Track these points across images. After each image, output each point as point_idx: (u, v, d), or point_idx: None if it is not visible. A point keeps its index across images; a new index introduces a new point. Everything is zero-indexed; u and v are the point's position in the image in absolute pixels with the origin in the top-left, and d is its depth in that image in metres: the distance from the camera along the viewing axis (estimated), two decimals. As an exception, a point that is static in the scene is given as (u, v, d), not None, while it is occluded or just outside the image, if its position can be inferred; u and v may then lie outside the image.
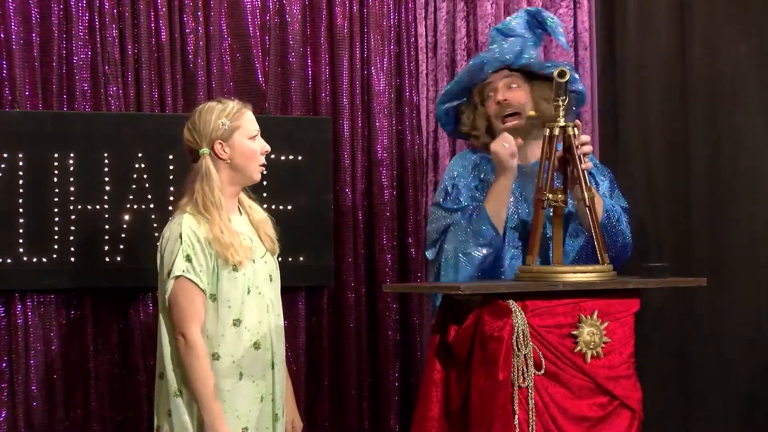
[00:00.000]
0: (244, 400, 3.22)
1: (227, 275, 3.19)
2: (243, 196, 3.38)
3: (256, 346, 3.24)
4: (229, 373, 3.20)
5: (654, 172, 4.79)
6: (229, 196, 3.29)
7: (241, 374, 3.22)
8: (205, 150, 3.26)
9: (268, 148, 3.34)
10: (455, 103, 3.56)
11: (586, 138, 3.26)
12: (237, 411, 3.21)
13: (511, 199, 3.37)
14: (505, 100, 3.41)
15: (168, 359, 3.21)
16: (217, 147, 3.26)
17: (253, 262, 3.26)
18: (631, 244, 3.39)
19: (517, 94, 3.42)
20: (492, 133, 3.43)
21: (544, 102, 3.36)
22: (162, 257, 3.23)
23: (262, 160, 3.32)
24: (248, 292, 3.23)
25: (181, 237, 3.17)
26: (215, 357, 3.19)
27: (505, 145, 3.27)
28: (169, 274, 3.17)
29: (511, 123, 3.40)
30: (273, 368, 3.30)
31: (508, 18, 3.61)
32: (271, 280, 3.33)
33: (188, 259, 3.16)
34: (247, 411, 3.23)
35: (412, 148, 4.54)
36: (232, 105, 3.31)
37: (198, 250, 3.17)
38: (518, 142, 3.30)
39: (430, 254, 3.42)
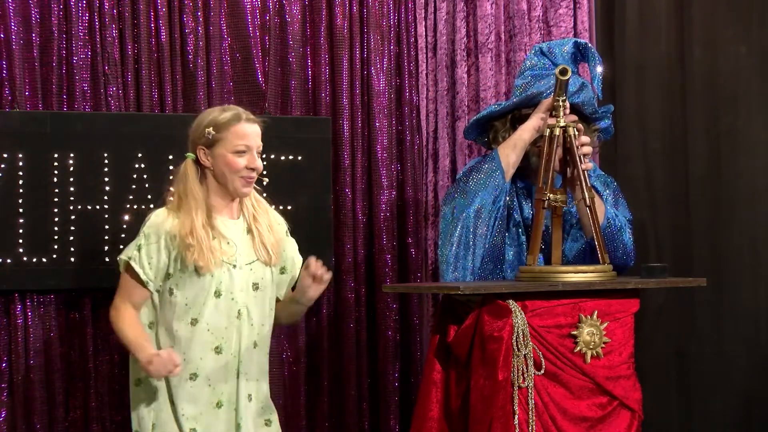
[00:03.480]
0: (192, 402, 3.21)
1: (189, 274, 3.22)
2: (252, 203, 3.37)
3: (218, 350, 3.23)
4: (180, 370, 3.19)
5: (653, 172, 4.80)
6: (218, 200, 3.31)
7: (194, 375, 3.21)
8: (190, 155, 3.32)
9: (256, 165, 3.28)
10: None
11: (586, 139, 3.26)
12: (183, 410, 3.21)
13: (515, 200, 3.38)
14: None
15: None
16: (200, 153, 3.30)
17: (233, 267, 3.26)
18: (633, 255, 3.37)
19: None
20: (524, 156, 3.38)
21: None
22: None
23: (247, 174, 3.27)
24: (218, 296, 3.23)
25: (143, 226, 3.28)
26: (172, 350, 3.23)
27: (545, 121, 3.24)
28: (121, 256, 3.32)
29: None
30: (238, 377, 3.26)
31: (554, 42, 3.57)
32: (256, 288, 3.31)
33: (139, 248, 3.26)
34: (197, 413, 3.22)
35: (412, 148, 4.54)
36: (227, 115, 3.29)
37: (152, 243, 3.24)
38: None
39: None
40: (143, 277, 3.23)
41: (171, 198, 3.35)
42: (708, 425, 4.71)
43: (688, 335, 4.74)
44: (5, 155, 4.02)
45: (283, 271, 3.40)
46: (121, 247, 4.09)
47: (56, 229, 4.06)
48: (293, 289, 3.39)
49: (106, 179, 4.11)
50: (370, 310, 4.47)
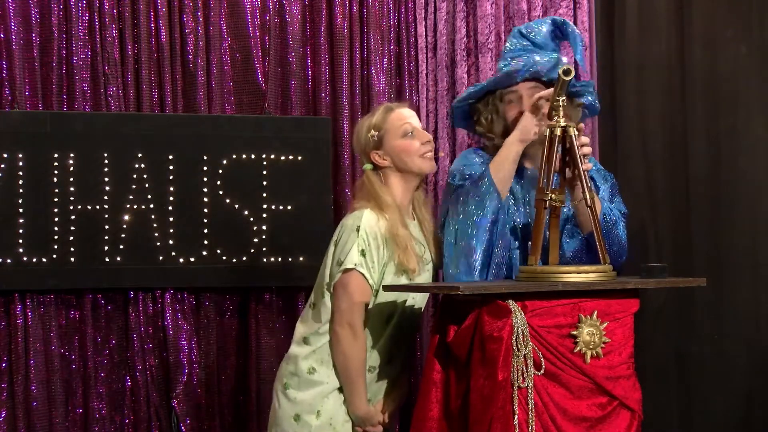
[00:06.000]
0: (381, 385, 3.31)
1: (392, 276, 3.22)
2: (418, 203, 3.39)
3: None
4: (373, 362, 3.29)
5: (653, 172, 4.79)
6: (403, 199, 3.32)
7: (373, 368, 3.28)
8: (367, 166, 3.34)
9: (428, 138, 3.34)
10: (471, 101, 3.53)
11: (586, 139, 3.25)
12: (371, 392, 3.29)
13: (512, 201, 3.37)
14: None
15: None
16: (375, 158, 3.32)
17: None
18: (626, 249, 3.36)
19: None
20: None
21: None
22: (336, 246, 3.24)
23: (424, 149, 3.31)
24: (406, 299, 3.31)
25: (358, 230, 3.19)
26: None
27: (535, 123, 3.24)
28: (340, 264, 3.18)
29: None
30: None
31: (533, 22, 3.57)
32: None
33: (363, 253, 3.18)
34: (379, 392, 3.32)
35: (412, 148, 4.53)
36: (378, 112, 3.36)
37: (372, 246, 3.19)
38: (541, 130, 3.25)
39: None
40: (371, 281, 3.19)
41: (362, 201, 3.31)
42: (708, 425, 4.71)
43: (688, 335, 4.74)
44: (5, 155, 4.02)
45: None
46: (121, 247, 4.11)
47: (56, 229, 4.06)
48: None
49: (106, 179, 4.12)
50: (370, 310, 4.47)
